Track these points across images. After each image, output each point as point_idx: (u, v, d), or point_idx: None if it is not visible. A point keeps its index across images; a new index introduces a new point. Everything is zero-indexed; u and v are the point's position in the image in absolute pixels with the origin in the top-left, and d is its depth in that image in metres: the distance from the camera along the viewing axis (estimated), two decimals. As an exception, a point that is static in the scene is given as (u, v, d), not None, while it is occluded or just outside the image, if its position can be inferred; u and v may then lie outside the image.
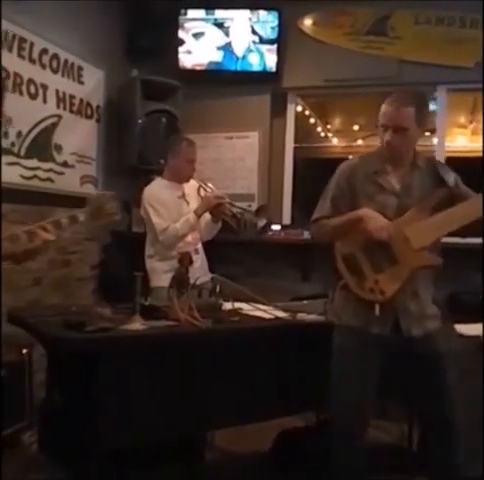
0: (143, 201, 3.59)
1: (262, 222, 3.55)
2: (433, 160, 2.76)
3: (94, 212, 2.34)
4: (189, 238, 3.58)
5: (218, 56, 5.10)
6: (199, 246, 3.67)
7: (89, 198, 2.35)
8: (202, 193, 3.63)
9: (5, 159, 3.77)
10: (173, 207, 3.58)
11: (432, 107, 4.72)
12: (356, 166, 2.58)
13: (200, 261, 3.60)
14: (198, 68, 5.14)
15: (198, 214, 3.50)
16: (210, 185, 3.64)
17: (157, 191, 3.61)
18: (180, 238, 3.49)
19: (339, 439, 2.49)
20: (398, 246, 2.40)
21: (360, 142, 7.19)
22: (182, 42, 5.10)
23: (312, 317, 3.01)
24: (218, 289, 2.97)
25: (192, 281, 2.78)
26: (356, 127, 7.25)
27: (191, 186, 3.69)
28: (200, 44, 5.11)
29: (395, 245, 2.40)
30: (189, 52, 5.12)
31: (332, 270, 2.56)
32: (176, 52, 5.10)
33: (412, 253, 2.39)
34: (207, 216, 3.61)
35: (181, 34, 5.09)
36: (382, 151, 2.53)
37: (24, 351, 3.39)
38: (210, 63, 5.12)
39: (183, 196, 3.66)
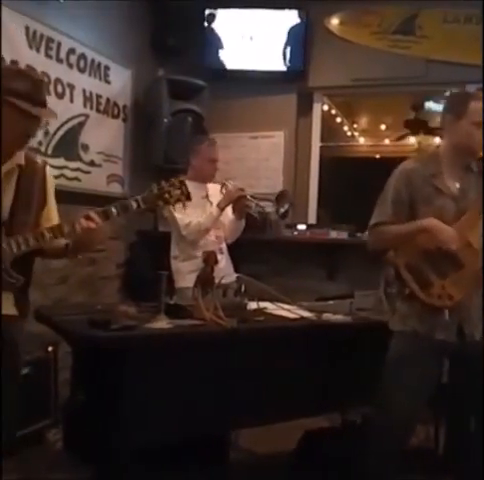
0: None
1: (283, 208, 3.53)
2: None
3: (152, 199, 2.30)
4: (212, 236, 3.58)
5: (244, 55, 5.09)
6: (224, 246, 3.67)
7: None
8: (224, 191, 3.63)
9: (33, 158, 3.81)
10: (197, 206, 3.57)
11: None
12: (413, 170, 2.52)
13: (225, 261, 3.59)
14: (224, 67, 5.14)
15: (221, 207, 3.51)
16: (231, 182, 3.64)
17: None
18: (203, 232, 3.50)
19: (385, 442, 2.46)
20: (461, 250, 2.38)
21: (387, 141, 7.15)
22: (208, 41, 5.10)
23: (338, 317, 2.99)
24: (243, 288, 2.96)
25: (217, 280, 2.77)
26: (383, 126, 7.21)
27: (215, 188, 3.70)
28: (226, 43, 5.11)
29: (459, 250, 2.38)
30: (215, 51, 5.12)
31: (394, 278, 2.55)
32: (202, 51, 5.11)
33: (476, 256, 2.39)
34: (230, 216, 3.62)
35: (207, 33, 5.09)
36: (439, 153, 2.50)
37: (50, 349, 3.42)
38: (236, 62, 5.11)
39: (207, 196, 3.67)
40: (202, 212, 3.54)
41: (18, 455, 3.02)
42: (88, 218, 2.23)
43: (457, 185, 2.48)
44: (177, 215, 3.51)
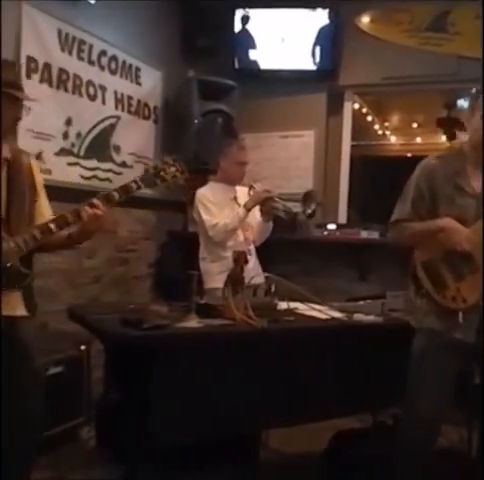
0: (195, 202, 3.64)
1: (310, 208, 3.52)
2: None
3: (150, 179, 2.33)
4: (241, 237, 3.59)
5: (274, 55, 5.09)
6: (252, 247, 3.67)
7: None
8: (252, 193, 3.64)
9: (65, 159, 3.87)
10: (225, 208, 3.61)
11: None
12: (435, 167, 2.48)
13: (253, 262, 3.60)
14: (254, 67, 5.14)
15: (247, 208, 3.52)
16: (259, 184, 3.64)
17: (209, 192, 3.66)
18: (230, 233, 3.51)
19: (415, 442, 2.45)
20: (478, 253, 2.34)
21: (418, 140, 7.08)
22: (239, 41, 5.11)
23: (369, 318, 2.97)
24: (273, 288, 2.96)
25: (247, 281, 2.78)
26: (414, 125, 7.14)
27: (243, 190, 3.71)
28: (257, 43, 5.11)
29: (475, 252, 2.34)
30: (246, 51, 5.12)
31: (411, 276, 2.53)
32: (232, 52, 5.12)
33: None
34: (258, 217, 3.63)
35: (238, 33, 5.10)
36: (463, 150, 2.47)
37: (83, 347, 3.46)
38: (266, 62, 5.11)
39: (235, 199, 3.69)
40: (230, 214, 3.56)
41: (51, 453, 3.07)
42: (92, 205, 2.22)
43: (478, 185, 2.42)
44: (204, 216, 3.53)
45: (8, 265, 2.12)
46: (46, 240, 2.20)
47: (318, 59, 5.01)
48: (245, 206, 3.52)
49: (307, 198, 3.62)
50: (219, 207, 3.59)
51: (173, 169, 2.35)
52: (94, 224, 2.25)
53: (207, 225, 3.53)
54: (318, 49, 4.99)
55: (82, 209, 2.21)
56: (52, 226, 2.17)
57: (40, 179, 2.40)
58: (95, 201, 2.25)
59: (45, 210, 2.37)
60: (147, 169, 2.33)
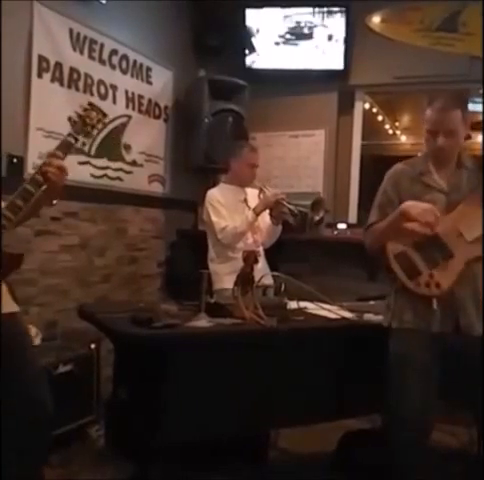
0: (205, 203, 3.64)
1: (318, 215, 3.53)
2: (479, 158, 2.71)
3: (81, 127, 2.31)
4: (250, 240, 3.59)
5: (285, 54, 5.08)
6: (261, 250, 3.67)
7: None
8: (261, 196, 3.64)
9: (76, 158, 3.88)
10: (235, 210, 3.62)
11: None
12: (402, 171, 2.59)
13: (261, 264, 3.59)
14: (264, 67, 5.13)
15: (257, 212, 3.52)
16: (268, 187, 3.65)
17: (219, 194, 3.67)
18: (238, 235, 3.51)
19: (402, 442, 2.44)
20: (452, 241, 2.41)
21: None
22: (249, 42, 5.11)
23: (379, 318, 2.95)
24: (283, 288, 2.96)
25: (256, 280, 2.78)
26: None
27: (253, 192, 3.72)
28: (267, 42, 5.11)
29: (449, 240, 2.41)
30: (256, 51, 5.12)
31: (385, 270, 2.54)
32: (243, 51, 5.12)
33: (466, 245, 2.40)
34: (268, 220, 3.63)
35: (248, 33, 5.10)
36: (428, 154, 2.53)
37: (92, 346, 3.46)
38: (276, 61, 5.11)
39: (245, 201, 3.70)
40: (240, 216, 3.56)
41: (61, 451, 3.08)
42: (50, 164, 2.15)
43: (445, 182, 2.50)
44: (214, 219, 3.54)
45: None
46: (18, 217, 2.12)
47: (329, 59, 4.99)
48: (254, 210, 3.53)
49: (316, 205, 3.63)
50: (229, 209, 3.60)
51: (94, 113, 2.36)
52: (59, 178, 2.17)
53: (216, 228, 3.53)
54: (329, 49, 4.98)
55: (41, 173, 2.14)
56: (18, 202, 2.09)
57: None
58: (48, 159, 2.18)
59: None
60: (74, 121, 2.32)
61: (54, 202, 2.30)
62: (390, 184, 2.58)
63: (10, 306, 2.21)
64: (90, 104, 2.37)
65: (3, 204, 2.10)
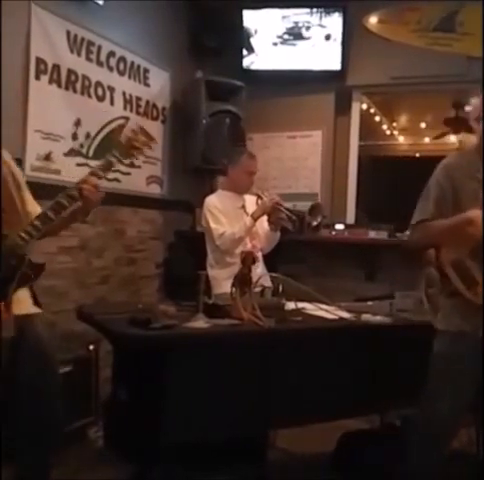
0: (203, 210, 3.66)
1: (316, 220, 3.53)
2: None
3: (127, 150, 2.35)
4: (248, 246, 3.59)
5: (281, 55, 5.09)
6: (260, 255, 3.67)
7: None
8: (259, 202, 3.65)
9: (74, 160, 3.88)
10: (233, 216, 3.63)
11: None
12: (456, 164, 2.46)
13: (260, 269, 3.60)
14: (261, 68, 5.14)
15: (254, 217, 3.54)
16: (266, 193, 3.65)
17: (217, 200, 3.69)
18: (237, 242, 3.52)
19: (431, 445, 2.43)
20: None
21: (427, 140, 7.06)
22: (246, 42, 5.11)
23: (377, 318, 2.96)
24: (281, 289, 2.96)
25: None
26: (423, 125, 7.13)
27: (251, 199, 3.73)
28: (264, 43, 5.11)
29: None
30: (254, 51, 5.13)
31: (439, 275, 2.50)
32: (240, 52, 5.13)
33: None
34: (266, 227, 3.65)
35: (246, 34, 5.10)
36: (478, 147, 2.44)
37: (91, 347, 3.47)
38: (273, 62, 5.11)
39: (243, 207, 3.71)
40: (238, 223, 3.58)
41: (59, 453, 3.08)
42: (86, 182, 2.23)
43: None
44: (212, 225, 3.57)
45: (26, 259, 2.12)
46: (48, 228, 2.19)
47: (326, 59, 5.00)
48: (252, 216, 3.55)
49: (313, 210, 3.65)
50: (227, 216, 3.61)
51: (143, 138, 2.36)
52: (93, 196, 2.25)
53: (215, 234, 3.55)
54: (326, 49, 4.99)
55: (78, 188, 2.21)
56: (50, 214, 2.17)
57: (18, 171, 2.38)
58: (86, 177, 2.26)
59: (32, 201, 2.38)
60: (120, 141, 2.34)
61: (87, 218, 2.43)
62: (445, 178, 2.43)
63: (28, 308, 2.24)
64: (140, 127, 2.39)
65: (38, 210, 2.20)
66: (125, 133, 2.39)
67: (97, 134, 4.08)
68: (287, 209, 3.54)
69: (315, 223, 3.54)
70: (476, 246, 2.32)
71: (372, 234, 4.65)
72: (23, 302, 2.22)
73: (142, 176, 4.58)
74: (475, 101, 2.40)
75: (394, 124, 7.28)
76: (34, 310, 2.28)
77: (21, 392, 2.19)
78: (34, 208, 2.33)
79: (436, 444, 2.44)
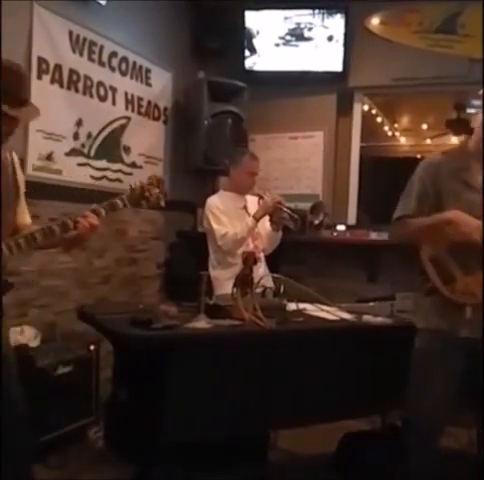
0: (205, 211, 3.66)
1: (318, 219, 3.53)
2: None
3: (136, 198, 2.33)
4: (250, 246, 3.60)
5: (283, 56, 5.09)
6: (261, 255, 3.68)
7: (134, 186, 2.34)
8: (261, 203, 3.65)
9: (76, 160, 3.89)
10: (235, 217, 3.64)
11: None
12: (440, 163, 2.47)
13: (262, 270, 3.60)
14: (263, 68, 5.14)
15: (256, 218, 3.55)
16: (268, 193, 3.66)
17: (219, 201, 3.69)
18: (239, 242, 3.53)
19: (417, 443, 2.44)
20: None
21: (429, 141, 7.05)
22: (248, 43, 5.11)
23: (378, 319, 2.96)
24: (282, 289, 2.96)
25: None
26: (425, 126, 7.11)
27: (253, 199, 3.73)
28: (266, 44, 5.11)
29: None
30: (256, 52, 5.13)
31: (418, 273, 2.51)
32: (242, 53, 5.13)
33: None
34: (268, 227, 3.65)
35: (248, 34, 5.10)
36: (468, 147, 2.46)
37: (92, 347, 3.47)
38: (275, 63, 5.11)
39: (245, 208, 3.72)
40: (239, 223, 3.58)
41: (60, 453, 3.09)
42: (85, 216, 2.22)
43: None
44: (214, 225, 3.57)
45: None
46: (30, 248, 2.15)
47: (328, 60, 5.00)
48: (254, 216, 3.56)
49: (315, 209, 3.64)
50: (229, 216, 3.62)
51: (157, 191, 2.35)
52: (87, 233, 2.23)
53: (217, 234, 3.56)
54: (328, 50, 4.99)
55: (73, 220, 2.19)
56: (38, 236, 2.14)
57: (22, 181, 2.34)
58: (87, 213, 2.24)
59: (25, 211, 2.34)
60: (134, 188, 2.33)
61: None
62: (428, 175, 2.45)
63: None
64: (158, 179, 2.39)
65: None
66: (141, 180, 2.35)
67: (99, 134, 4.08)
68: (289, 208, 3.54)
69: (317, 221, 3.54)
70: (456, 244, 2.33)
71: (373, 235, 4.65)
72: None
73: (144, 176, 4.49)
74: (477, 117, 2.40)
75: (396, 125, 7.27)
76: None
77: None
78: (24, 220, 2.30)
79: (423, 440, 2.44)
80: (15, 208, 2.26)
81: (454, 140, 6.53)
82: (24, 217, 2.32)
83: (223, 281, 3.46)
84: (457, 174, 2.41)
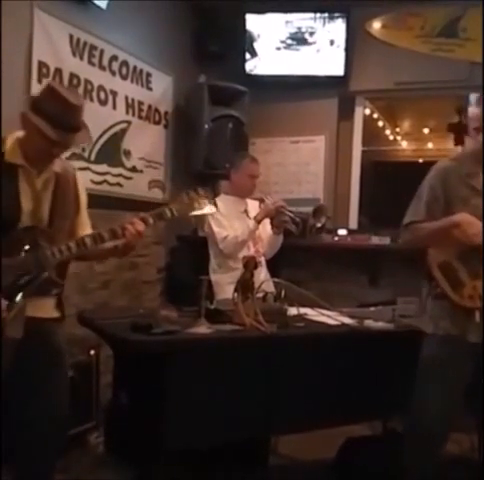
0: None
1: (320, 222, 3.53)
2: None
3: (184, 209, 2.36)
4: (251, 250, 3.60)
5: (285, 60, 5.09)
6: (263, 259, 3.67)
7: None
8: (262, 205, 3.65)
9: (76, 164, 3.86)
10: (236, 220, 3.63)
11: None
12: (449, 168, 2.49)
13: (263, 274, 3.59)
14: (264, 72, 5.14)
15: (257, 220, 3.55)
16: (270, 197, 3.66)
17: (220, 204, 3.66)
18: (240, 245, 3.52)
19: (422, 448, 2.44)
20: None
21: (430, 145, 7.05)
22: (249, 47, 5.11)
23: (380, 324, 2.95)
24: (283, 294, 2.95)
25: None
26: (426, 130, 7.11)
27: (254, 203, 3.74)
28: (267, 48, 5.11)
29: None
30: (257, 55, 5.13)
31: (425, 278, 2.51)
32: (243, 57, 5.13)
33: None
34: (269, 231, 3.65)
35: (249, 38, 5.11)
36: (475, 152, 2.47)
37: (92, 352, 3.45)
38: (276, 67, 5.11)
39: (246, 211, 3.71)
40: (240, 226, 3.57)
41: (60, 458, 3.07)
42: (132, 223, 2.30)
43: None
44: (215, 229, 3.56)
45: (44, 274, 2.17)
46: (81, 252, 2.25)
47: (329, 64, 5.00)
48: (255, 219, 3.56)
49: (317, 212, 3.64)
50: (230, 220, 3.61)
51: (204, 204, 2.38)
52: (134, 240, 2.32)
53: (217, 238, 3.55)
54: (330, 54, 4.98)
55: (121, 227, 2.27)
56: (87, 240, 2.23)
57: (83, 192, 2.46)
58: (134, 220, 2.32)
59: (86, 222, 2.46)
60: (182, 199, 2.35)
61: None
62: (438, 181, 2.47)
63: (46, 312, 2.29)
64: (207, 195, 2.41)
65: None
66: (191, 192, 2.37)
67: (99, 138, 4.07)
68: (290, 211, 3.53)
69: (319, 225, 3.53)
70: (465, 248, 2.34)
71: (375, 240, 4.64)
72: (42, 307, 2.26)
73: (144, 180, 4.57)
74: (473, 110, 2.41)
75: (397, 129, 7.27)
76: (50, 315, 2.31)
77: (28, 392, 2.24)
78: (84, 231, 2.39)
79: (429, 445, 2.44)
80: (74, 219, 2.37)
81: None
82: (84, 228, 2.42)
83: (224, 285, 3.45)
84: (465, 179, 2.42)
